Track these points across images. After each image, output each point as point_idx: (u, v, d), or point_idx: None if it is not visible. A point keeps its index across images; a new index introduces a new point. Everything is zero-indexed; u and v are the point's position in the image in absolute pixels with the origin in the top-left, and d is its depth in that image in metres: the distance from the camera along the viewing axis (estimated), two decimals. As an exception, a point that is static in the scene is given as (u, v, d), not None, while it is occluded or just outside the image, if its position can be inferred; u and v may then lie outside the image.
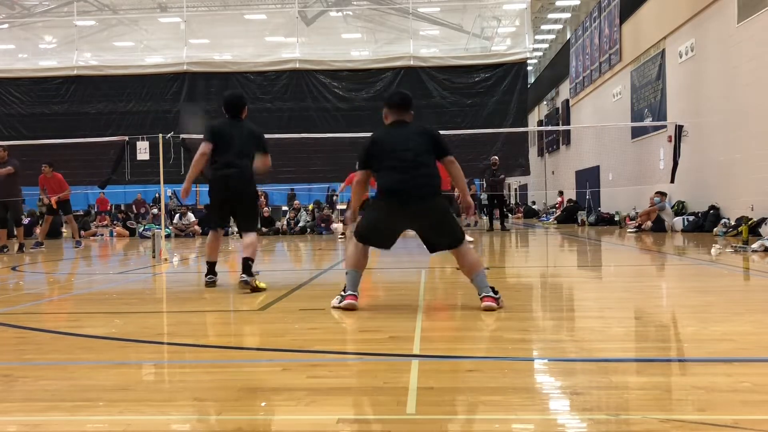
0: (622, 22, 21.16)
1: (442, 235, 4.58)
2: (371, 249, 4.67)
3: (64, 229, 18.83)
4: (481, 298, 4.42)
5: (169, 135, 11.66)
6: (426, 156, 4.54)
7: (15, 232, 12.74)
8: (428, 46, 22.43)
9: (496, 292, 4.45)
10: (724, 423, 2.16)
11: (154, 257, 9.55)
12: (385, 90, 19.02)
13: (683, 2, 16.22)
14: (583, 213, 20.73)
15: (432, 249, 4.70)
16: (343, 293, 4.57)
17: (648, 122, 18.39)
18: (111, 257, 11.84)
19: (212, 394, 2.61)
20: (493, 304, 4.38)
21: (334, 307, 4.55)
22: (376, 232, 4.64)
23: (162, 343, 3.74)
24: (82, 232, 17.85)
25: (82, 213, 22.15)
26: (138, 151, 12.59)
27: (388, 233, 4.68)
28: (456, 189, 5.91)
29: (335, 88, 21.06)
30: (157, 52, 23.20)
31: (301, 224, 17.70)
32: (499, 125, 19.77)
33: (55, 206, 13.31)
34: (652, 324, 4.15)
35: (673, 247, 10.71)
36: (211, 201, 6.12)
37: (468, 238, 5.41)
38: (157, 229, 12.71)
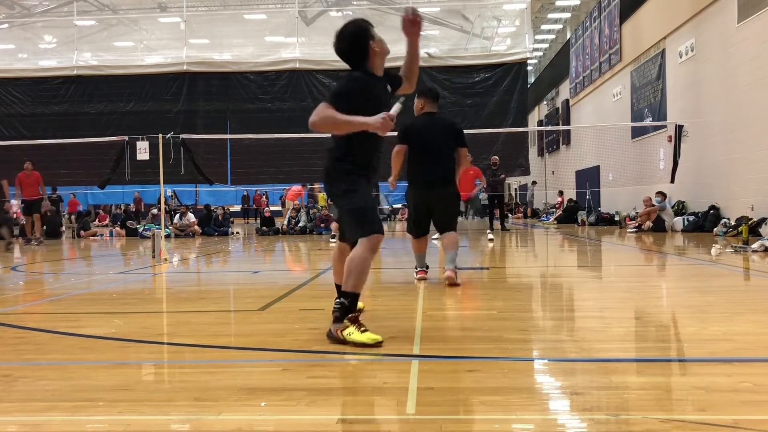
0: (622, 22, 21.15)
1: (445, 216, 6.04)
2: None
3: (62, 228, 18.85)
4: (445, 269, 5.77)
5: (169, 135, 11.65)
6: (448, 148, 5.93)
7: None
8: (428, 46, 22.42)
9: (457, 269, 5.80)
10: (724, 423, 2.16)
11: (154, 257, 9.55)
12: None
13: (683, 2, 16.21)
14: (583, 213, 20.73)
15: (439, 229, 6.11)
16: (415, 269, 6.12)
17: (648, 122, 18.39)
18: (111, 257, 11.83)
19: (212, 394, 2.61)
20: (452, 275, 5.64)
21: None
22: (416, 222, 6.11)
23: (162, 343, 3.75)
24: (82, 232, 17.87)
25: (82, 213, 22.16)
26: (138, 151, 12.57)
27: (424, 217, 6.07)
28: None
29: (335, 88, 21.02)
30: (157, 52, 23.20)
31: (301, 224, 17.70)
32: (499, 125, 19.76)
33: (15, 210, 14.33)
34: (652, 324, 4.15)
35: (673, 247, 10.70)
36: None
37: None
38: (157, 229, 12.71)
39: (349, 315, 3.47)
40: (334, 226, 13.84)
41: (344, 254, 3.76)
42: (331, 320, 3.60)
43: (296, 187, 20.22)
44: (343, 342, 3.41)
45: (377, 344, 3.35)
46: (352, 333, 3.42)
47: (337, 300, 3.60)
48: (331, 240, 13.29)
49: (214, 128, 20.27)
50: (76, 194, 27.76)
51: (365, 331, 3.42)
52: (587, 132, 24.71)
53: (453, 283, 5.68)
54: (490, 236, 13.07)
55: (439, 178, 5.88)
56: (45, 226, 15.87)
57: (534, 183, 30.70)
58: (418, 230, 6.14)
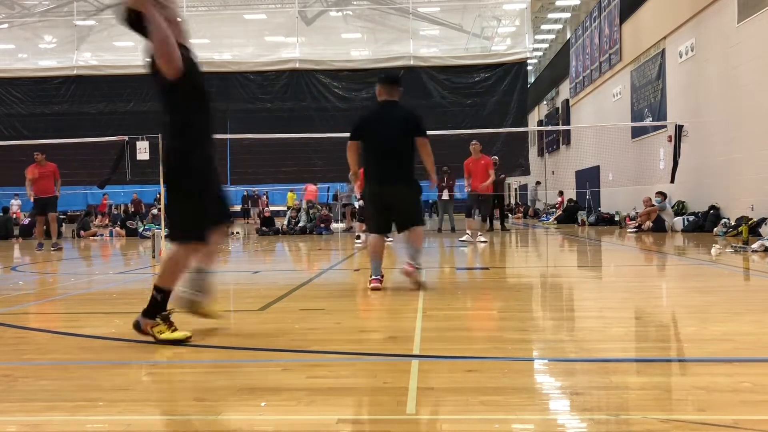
0: (622, 21, 21.15)
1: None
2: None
3: (62, 228, 18.81)
4: (405, 264, 5.54)
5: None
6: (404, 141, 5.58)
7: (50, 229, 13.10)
8: (428, 46, 22.43)
9: (419, 265, 5.57)
10: (724, 423, 2.16)
11: (154, 257, 9.55)
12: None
13: (683, 2, 16.21)
14: (583, 213, 20.73)
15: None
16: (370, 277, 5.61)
17: (648, 122, 18.39)
18: (111, 257, 11.83)
19: (212, 394, 2.61)
20: (410, 269, 5.45)
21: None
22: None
23: (162, 343, 3.74)
24: (82, 232, 17.86)
25: (82, 213, 22.17)
26: (138, 151, 12.58)
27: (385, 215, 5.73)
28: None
29: (335, 88, 21.05)
30: (157, 52, 23.20)
31: (301, 224, 17.71)
32: (499, 125, 19.78)
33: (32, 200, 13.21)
34: (652, 324, 4.15)
35: (673, 247, 10.70)
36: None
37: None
38: (157, 229, 12.71)
39: (162, 313, 3.63)
40: (358, 225, 13.49)
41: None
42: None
43: (313, 187, 20.37)
44: (154, 338, 3.56)
45: (187, 339, 3.55)
46: (163, 332, 3.57)
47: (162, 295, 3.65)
48: (356, 241, 13.02)
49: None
50: (77, 194, 27.77)
51: (175, 330, 3.59)
52: (587, 132, 24.71)
53: (416, 281, 5.52)
54: (482, 238, 12.89)
55: (395, 175, 5.58)
56: (45, 226, 15.79)
57: (538, 183, 30.63)
58: (379, 227, 5.74)
